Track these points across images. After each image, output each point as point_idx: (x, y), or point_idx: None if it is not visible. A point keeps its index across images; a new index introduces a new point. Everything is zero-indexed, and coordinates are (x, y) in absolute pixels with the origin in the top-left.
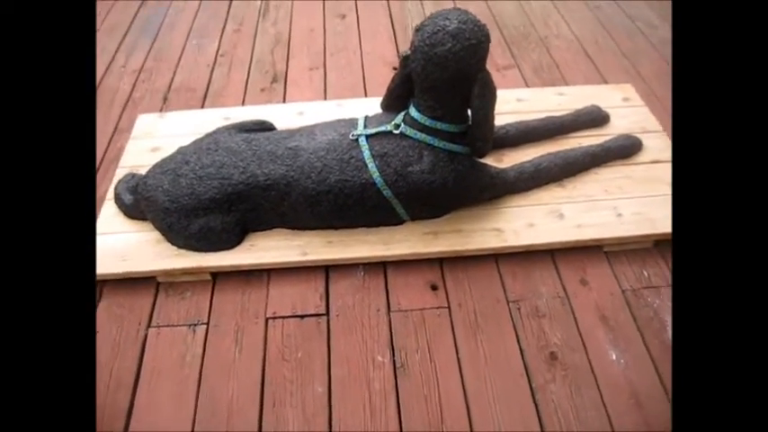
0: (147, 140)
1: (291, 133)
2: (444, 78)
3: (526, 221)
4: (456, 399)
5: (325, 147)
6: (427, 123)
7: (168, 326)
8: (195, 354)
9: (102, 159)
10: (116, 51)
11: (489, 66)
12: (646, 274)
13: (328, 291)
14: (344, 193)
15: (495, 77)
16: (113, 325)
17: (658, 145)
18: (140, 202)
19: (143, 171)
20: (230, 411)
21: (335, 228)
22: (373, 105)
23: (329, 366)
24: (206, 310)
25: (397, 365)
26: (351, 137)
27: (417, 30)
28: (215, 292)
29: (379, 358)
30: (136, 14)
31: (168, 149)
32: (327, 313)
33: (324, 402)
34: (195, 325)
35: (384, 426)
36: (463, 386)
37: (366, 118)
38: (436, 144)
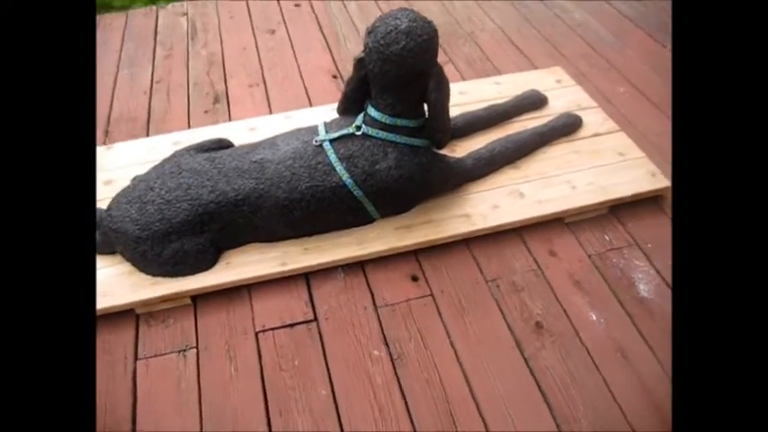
0: (97, 174)
1: (253, 147)
2: (401, 75)
3: (490, 204)
4: (456, 379)
5: (290, 156)
6: (387, 121)
7: (156, 356)
8: (190, 378)
9: None
10: None
11: None
12: (607, 237)
13: (312, 297)
14: (316, 198)
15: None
16: (99, 364)
17: (596, 119)
18: (108, 235)
19: (101, 205)
20: (237, 427)
21: (309, 235)
22: (320, 114)
23: (328, 369)
24: (192, 334)
25: (394, 357)
26: (314, 143)
27: (370, 32)
28: (198, 314)
29: (376, 353)
30: None
31: (122, 181)
32: (316, 318)
33: (330, 404)
34: (184, 350)
35: (394, 416)
36: (461, 366)
37: (325, 124)
38: (398, 140)
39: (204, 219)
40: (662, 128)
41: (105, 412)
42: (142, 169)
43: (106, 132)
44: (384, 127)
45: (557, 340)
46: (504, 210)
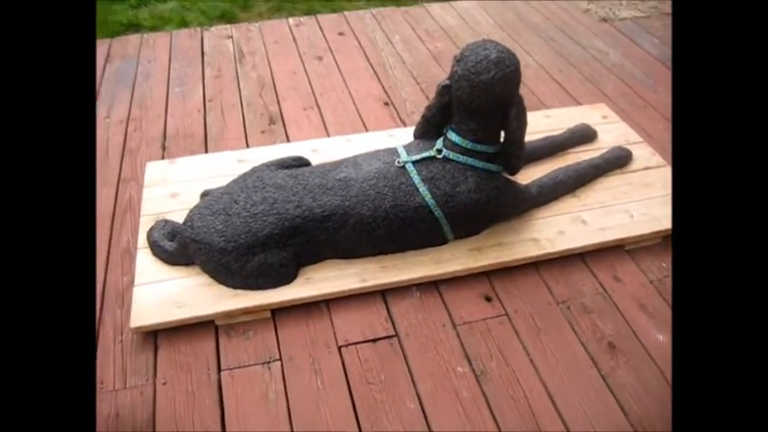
0: (162, 187)
1: (335, 166)
2: (487, 103)
3: (556, 230)
4: (540, 395)
5: (374, 175)
6: (468, 146)
7: (240, 367)
8: (277, 390)
9: (114, 210)
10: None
11: None
12: (664, 265)
13: (391, 313)
14: (399, 217)
15: None
16: (181, 374)
17: (644, 154)
18: (187, 246)
19: (169, 217)
20: None
21: (386, 253)
22: (380, 139)
23: (413, 383)
24: (274, 346)
25: (478, 373)
26: (397, 164)
27: (459, 60)
28: (278, 328)
29: (459, 369)
30: (104, 67)
31: (187, 194)
32: (397, 334)
33: (419, 417)
34: (268, 362)
35: (484, 429)
36: (543, 383)
37: (404, 146)
38: (477, 165)
39: (289, 233)
40: None
41: (192, 421)
42: (207, 184)
43: (164, 147)
44: (464, 151)
45: (629, 359)
46: (570, 235)
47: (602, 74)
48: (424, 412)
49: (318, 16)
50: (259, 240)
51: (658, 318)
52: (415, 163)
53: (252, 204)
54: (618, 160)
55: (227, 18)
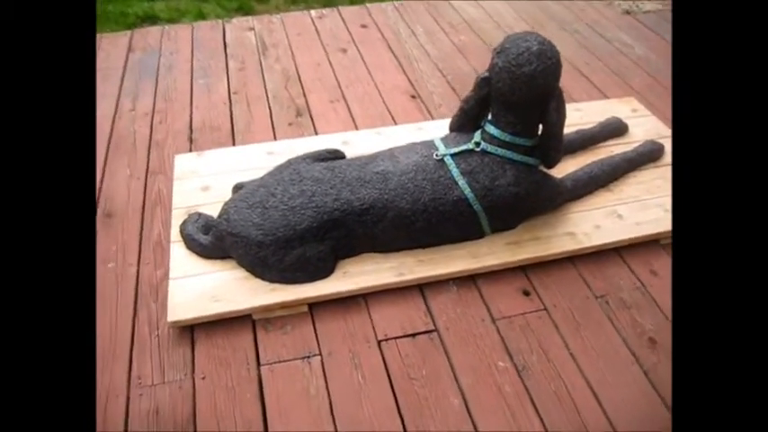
0: (193, 180)
1: (371, 159)
2: (528, 95)
3: (592, 224)
4: (583, 390)
5: (412, 169)
6: (507, 139)
7: (280, 362)
8: (318, 385)
9: (144, 202)
10: (118, 96)
11: None
12: None
13: (429, 307)
14: (438, 210)
15: None
16: (220, 368)
17: None
18: (224, 239)
19: (201, 210)
20: None
21: (423, 247)
22: (410, 132)
23: (456, 378)
24: (313, 340)
25: (520, 368)
26: (435, 157)
27: (499, 52)
28: (315, 322)
29: (501, 364)
30: (126, 59)
31: (218, 187)
32: (437, 329)
33: (464, 413)
34: (308, 357)
35: (529, 425)
36: (585, 378)
37: (442, 139)
38: (515, 158)
39: (327, 226)
40: None
41: (234, 417)
42: (238, 177)
43: (190, 140)
44: (503, 144)
45: (671, 355)
46: (606, 229)
47: (629, 67)
48: (467, 408)
49: (341, 8)
50: (297, 234)
51: None
52: (453, 156)
53: (290, 197)
54: (651, 154)
55: (245, 10)
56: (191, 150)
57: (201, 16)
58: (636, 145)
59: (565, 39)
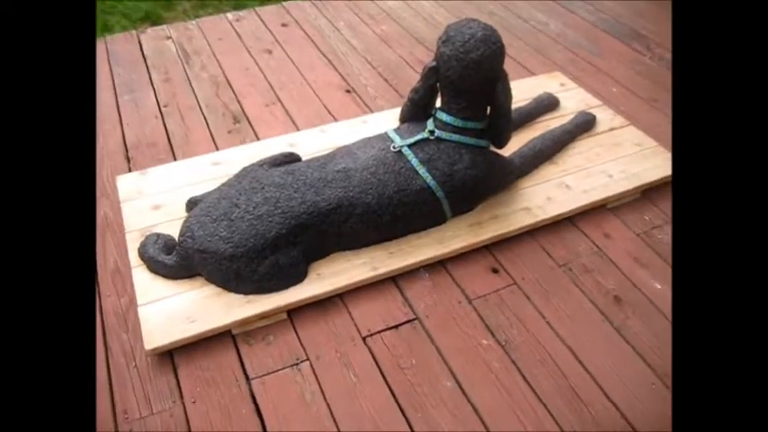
0: (141, 200)
1: (329, 158)
2: (478, 80)
3: (544, 197)
4: (565, 355)
5: (372, 163)
6: (459, 124)
7: (269, 373)
8: (313, 390)
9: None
10: None
11: None
12: (647, 218)
13: (406, 297)
14: (403, 201)
15: None
16: (209, 389)
17: (606, 116)
18: (191, 257)
19: (157, 230)
20: (379, 430)
21: (391, 239)
22: (353, 127)
23: (445, 362)
24: (298, 347)
25: (503, 343)
26: (393, 149)
27: (445, 41)
28: (297, 328)
29: (484, 341)
30: None
31: (170, 205)
32: (417, 317)
33: (459, 394)
34: (297, 364)
35: (522, 396)
36: (564, 342)
37: (395, 131)
38: (469, 142)
39: (296, 231)
40: (659, 120)
41: None
42: (189, 192)
43: (128, 159)
44: (456, 130)
45: (636, 310)
46: (558, 201)
47: (548, 44)
48: (461, 389)
49: (258, 9)
50: (268, 242)
51: (652, 268)
52: (410, 146)
53: (254, 206)
54: (586, 124)
55: (153, 19)
56: (130, 169)
57: (107, 29)
58: (570, 117)
59: (484, 21)
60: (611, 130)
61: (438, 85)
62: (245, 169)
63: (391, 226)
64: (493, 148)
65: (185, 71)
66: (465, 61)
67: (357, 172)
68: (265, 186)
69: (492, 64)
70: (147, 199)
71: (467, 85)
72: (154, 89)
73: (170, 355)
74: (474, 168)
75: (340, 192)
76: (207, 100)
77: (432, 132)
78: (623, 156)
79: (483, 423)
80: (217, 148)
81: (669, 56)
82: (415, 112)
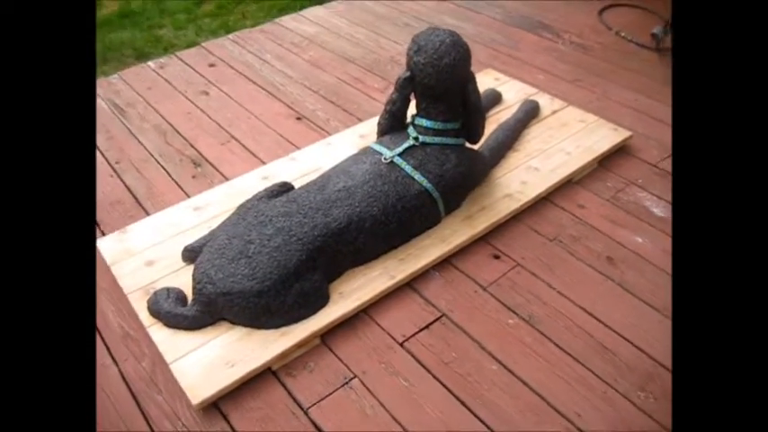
0: (131, 260)
1: (324, 180)
2: (452, 83)
3: (519, 182)
4: (584, 317)
5: (369, 177)
6: (440, 127)
7: (323, 398)
8: (372, 404)
9: None
10: None
11: (369, 91)
12: (609, 184)
13: (426, 298)
14: (406, 208)
15: (382, 98)
16: (268, 426)
17: (545, 101)
18: (214, 303)
19: (160, 286)
20: (448, 428)
21: (397, 247)
22: (320, 151)
23: (482, 348)
24: (341, 367)
25: (527, 319)
26: (384, 160)
27: (417, 51)
28: (333, 350)
29: (511, 321)
30: None
31: (163, 259)
32: (443, 314)
33: (506, 373)
34: (347, 383)
35: (561, 360)
36: (580, 307)
37: (381, 143)
38: (450, 142)
39: (314, 255)
40: (589, 97)
41: None
42: (178, 241)
43: (96, 221)
44: (438, 133)
45: (628, 264)
46: (532, 183)
47: (470, 45)
48: (506, 368)
49: (178, 54)
50: (291, 271)
51: (629, 226)
52: (400, 155)
53: (268, 239)
54: (533, 111)
55: None
56: (102, 232)
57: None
58: (515, 107)
59: (402, 33)
60: (554, 112)
61: (414, 93)
62: (242, 206)
63: (397, 234)
64: (468, 145)
65: (125, 125)
66: (440, 67)
67: (358, 188)
68: (273, 218)
69: (463, 66)
70: (137, 257)
71: (443, 89)
72: (99, 149)
73: (215, 407)
74: (461, 166)
75: (347, 209)
76: (158, 149)
77: (416, 139)
78: (573, 133)
79: (536, 393)
80: (187, 195)
81: (578, 40)
82: (394, 123)
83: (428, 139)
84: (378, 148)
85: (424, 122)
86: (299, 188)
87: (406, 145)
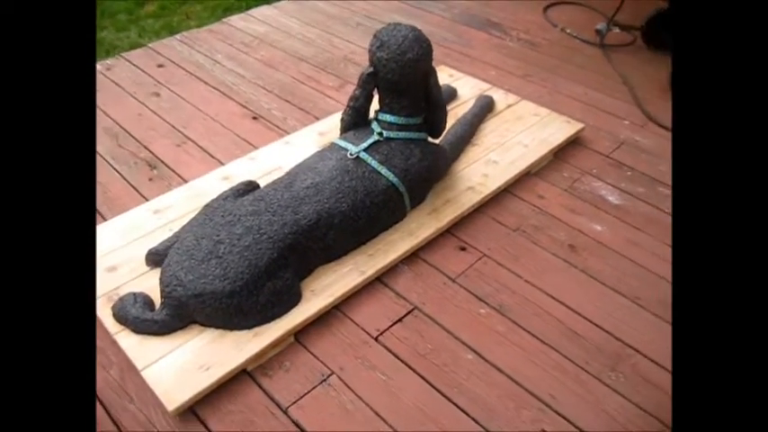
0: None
1: (290, 177)
2: (416, 78)
3: (480, 174)
4: (551, 303)
5: (337, 174)
6: (403, 122)
7: (302, 396)
8: (351, 399)
9: None
10: None
11: (324, 90)
12: (565, 174)
13: (397, 292)
14: (374, 203)
15: (337, 96)
16: (248, 429)
17: (499, 96)
18: (185, 305)
19: (124, 291)
20: (429, 418)
21: (365, 242)
22: (279, 150)
23: (456, 338)
24: (318, 364)
25: (498, 308)
26: (350, 156)
27: (380, 46)
28: (308, 348)
29: (482, 311)
30: None
31: (126, 264)
32: (415, 306)
33: (482, 362)
34: (325, 380)
35: (535, 349)
36: (548, 294)
37: (344, 139)
38: (413, 136)
39: (285, 253)
40: (540, 92)
41: None
42: (141, 245)
43: None
44: (401, 128)
45: (589, 251)
46: (493, 176)
47: None
48: (482, 357)
49: (125, 55)
50: (262, 270)
51: (587, 214)
52: (365, 150)
53: (238, 238)
54: (488, 106)
55: None
56: None
57: None
58: (470, 103)
59: (354, 32)
60: (509, 106)
61: (377, 88)
62: (208, 206)
63: (366, 229)
64: (430, 139)
65: None
66: (403, 62)
67: (325, 184)
68: (241, 217)
69: (426, 60)
70: (97, 263)
71: (406, 84)
72: None
73: (192, 413)
74: (425, 160)
75: (316, 205)
76: (111, 152)
77: (380, 134)
78: (528, 126)
79: (512, 380)
80: (145, 198)
81: (526, 36)
82: (358, 119)
83: (392, 134)
84: (343, 143)
85: (387, 118)
86: (266, 186)
87: (370, 140)
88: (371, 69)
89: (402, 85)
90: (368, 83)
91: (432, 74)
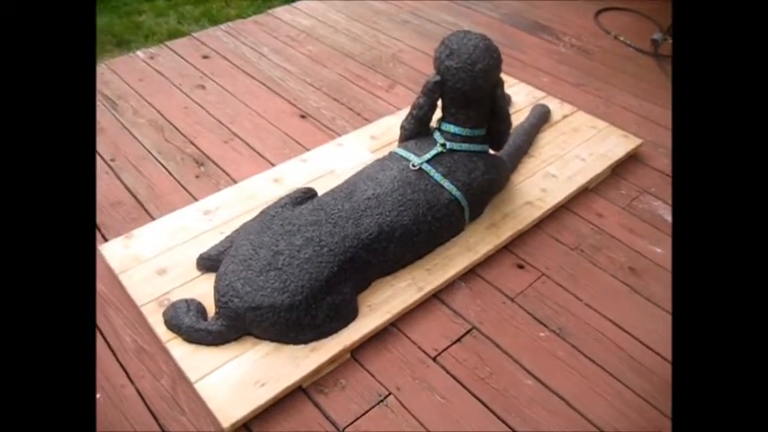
0: (140, 267)
1: (350, 186)
2: (486, 88)
3: (539, 189)
4: (612, 329)
5: (398, 185)
6: (467, 134)
7: (359, 417)
8: (408, 420)
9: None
10: None
11: (373, 90)
12: (623, 192)
13: (455, 310)
14: (436, 217)
15: (387, 97)
16: None
17: (555, 105)
18: (241, 317)
19: (173, 297)
20: None
21: (422, 256)
22: (331, 152)
23: (516, 361)
24: (374, 383)
25: (558, 332)
26: (412, 167)
27: (449, 55)
28: (365, 365)
29: (542, 334)
30: None
31: (176, 266)
32: (473, 326)
33: (542, 388)
34: (382, 400)
35: (596, 375)
36: (607, 318)
37: (406, 150)
38: (476, 149)
39: (346, 266)
40: (595, 102)
41: None
42: (192, 249)
43: (95, 225)
44: (465, 139)
45: (651, 275)
46: (552, 191)
47: None
48: (542, 383)
49: (168, 44)
50: (322, 284)
51: (647, 236)
52: (428, 162)
53: (298, 249)
54: (545, 116)
55: None
56: (103, 236)
57: None
58: (525, 111)
59: (402, 29)
60: (565, 117)
61: (442, 97)
62: (265, 213)
63: (425, 243)
64: (491, 151)
65: (117, 119)
66: (474, 72)
67: (387, 196)
68: (301, 227)
69: (496, 71)
70: (147, 265)
71: (476, 95)
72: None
73: (245, 428)
74: (488, 173)
75: (377, 218)
76: (157, 146)
77: (443, 145)
78: (586, 139)
79: (575, 409)
80: (194, 197)
81: (578, 42)
82: (419, 127)
83: (456, 145)
84: (404, 153)
85: (451, 128)
86: (325, 195)
87: (433, 152)
88: (438, 78)
89: (470, 95)
90: (433, 91)
91: (500, 85)
